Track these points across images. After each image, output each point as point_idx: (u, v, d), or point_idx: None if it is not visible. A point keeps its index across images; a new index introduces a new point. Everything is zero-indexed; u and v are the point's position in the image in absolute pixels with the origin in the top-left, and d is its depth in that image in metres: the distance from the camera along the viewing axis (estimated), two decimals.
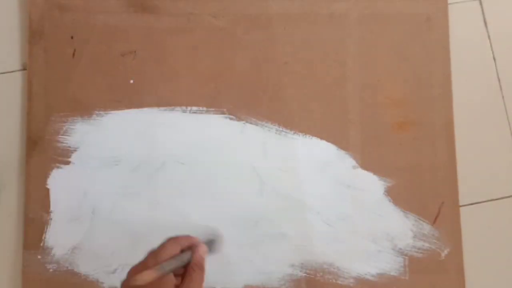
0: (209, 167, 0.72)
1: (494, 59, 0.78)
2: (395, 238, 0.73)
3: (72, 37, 0.71)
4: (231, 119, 0.73)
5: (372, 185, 0.74)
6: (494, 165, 0.77)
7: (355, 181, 0.73)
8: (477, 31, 0.79)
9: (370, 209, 0.73)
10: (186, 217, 0.71)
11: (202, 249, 0.58)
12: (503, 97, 0.78)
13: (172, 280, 0.55)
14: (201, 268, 0.57)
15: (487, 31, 0.79)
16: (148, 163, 0.71)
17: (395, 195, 0.73)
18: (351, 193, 0.73)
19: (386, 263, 0.72)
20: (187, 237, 0.59)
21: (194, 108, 0.73)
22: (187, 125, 0.72)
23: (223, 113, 0.73)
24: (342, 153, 0.74)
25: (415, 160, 0.74)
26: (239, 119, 0.73)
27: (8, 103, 0.72)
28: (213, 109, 0.73)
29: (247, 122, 0.73)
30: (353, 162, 0.74)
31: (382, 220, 0.73)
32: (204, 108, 0.73)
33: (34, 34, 0.71)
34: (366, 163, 0.74)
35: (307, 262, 0.72)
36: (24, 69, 0.72)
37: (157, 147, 0.72)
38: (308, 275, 0.71)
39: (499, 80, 0.78)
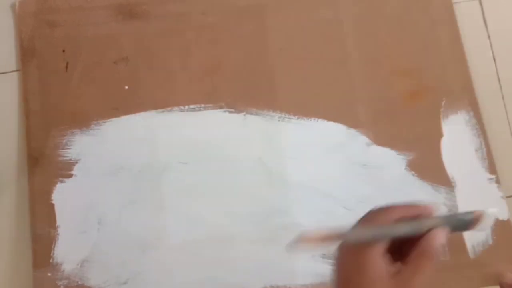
0: (213, 164, 0.71)
1: (494, 59, 0.77)
2: None
3: (63, 51, 0.74)
4: (230, 112, 0.72)
5: (391, 161, 0.70)
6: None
7: (371, 159, 0.70)
8: (477, 31, 0.78)
9: (392, 187, 0.69)
10: (195, 219, 0.69)
11: (441, 234, 0.44)
12: (503, 97, 0.76)
13: (381, 257, 0.43)
14: (432, 257, 0.43)
15: (487, 31, 0.78)
16: (150, 168, 0.71)
17: (419, 168, 0.69)
18: (369, 172, 0.70)
19: None
20: (424, 206, 0.47)
21: (192, 106, 0.73)
22: (187, 124, 0.72)
23: (221, 107, 0.72)
24: (352, 131, 0.71)
25: (436, 128, 0.70)
26: (238, 111, 0.72)
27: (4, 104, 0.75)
28: (211, 105, 0.72)
29: (247, 113, 0.72)
30: (366, 139, 0.71)
31: (407, 198, 0.69)
32: (202, 105, 0.73)
33: (26, 53, 0.74)
34: (380, 139, 0.71)
35: (328, 252, 0.68)
36: (19, 70, 0.75)
37: (158, 150, 0.71)
38: (331, 267, 0.67)
39: (499, 80, 0.76)
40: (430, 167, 0.69)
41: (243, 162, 0.71)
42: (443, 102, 0.71)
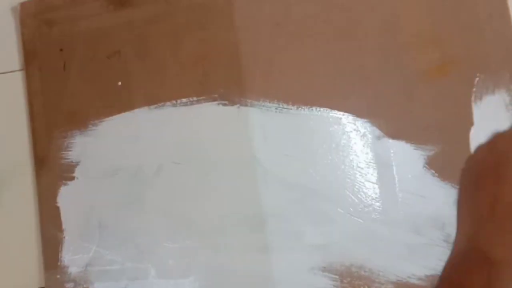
0: (205, 164, 0.65)
1: None
2: (447, 224, 0.55)
3: (61, 50, 0.72)
4: (224, 105, 0.65)
5: (406, 157, 0.57)
6: None
7: (382, 156, 0.58)
8: None
9: (407, 190, 0.57)
10: (187, 224, 0.65)
11: None
12: None
13: None
14: None
15: None
16: (145, 168, 0.67)
17: (441, 166, 0.56)
18: (378, 171, 0.58)
19: (439, 260, 0.55)
20: None
21: (184, 100, 0.67)
22: (179, 120, 0.67)
23: (214, 99, 0.65)
24: (360, 122, 0.59)
25: (465, 113, 0.56)
26: (232, 103, 0.65)
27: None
28: (204, 97, 0.66)
29: (241, 105, 0.64)
30: (377, 131, 0.59)
31: (425, 202, 0.56)
32: (194, 98, 0.66)
33: (28, 55, 0.74)
34: (394, 130, 0.58)
35: (330, 265, 0.59)
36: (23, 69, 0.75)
37: (152, 150, 0.67)
38: (332, 282, 0.59)
39: None
40: (455, 164, 0.54)
41: (236, 161, 0.64)
42: (477, 79, 0.55)
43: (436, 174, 0.56)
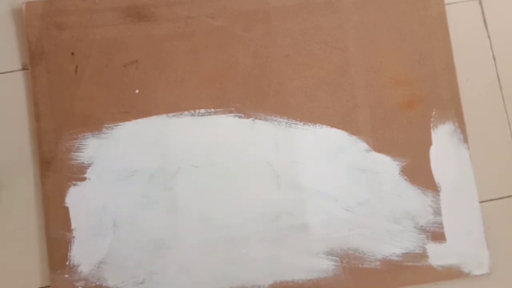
0: (224, 167, 0.77)
1: (494, 59, 0.83)
2: (415, 216, 0.78)
3: (72, 54, 0.75)
4: (240, 117, 0.78)
5: (387, 166, 0.79)
6: (493, 165, 0.81)
7: (370, 165, 0.78)
8: (477, 31, 0.83)
9: (387, 191, 0.78)
10: (207, 220, 0.75)
11: None
12: (503, 97, 0.82)
13: None
14: None
15: (487, 31, 0.83)
16: (163, 171, 0.76)
17: (410, 174, 0.78)
18: (367, 177, 0.78)
19: (410, 242, 0.77)
20: None
21: (202, 110, 0.77)
22: (197, 128, 0.77)
23: (231, 112, 0.78)
24: (353, 138, 0.79)
25: (426, 137, 0.79)
26: (247, 116, 0.78)
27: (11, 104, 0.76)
28: (221, 109, 0.77)
29: (256, 118, 0.78)
30: (366, 146, 0.79)
31: (401, 200, 0.78)
32: (212, 110, 0.77)
33: (34, 55, 0.75)
34: (378, 146, 0.79)
35: (332, 250, 0.76)
36: (24, 69, 0.76)
37: (170, 154, 0.76)
38: (334, 263, 0.76)
39: (499, 80, 0.82)
40: (420, 172, 0.79)
41: (252, 166, 0.77)
42: (434, 113, 0.80)
43: (407, 180, 0.78)
